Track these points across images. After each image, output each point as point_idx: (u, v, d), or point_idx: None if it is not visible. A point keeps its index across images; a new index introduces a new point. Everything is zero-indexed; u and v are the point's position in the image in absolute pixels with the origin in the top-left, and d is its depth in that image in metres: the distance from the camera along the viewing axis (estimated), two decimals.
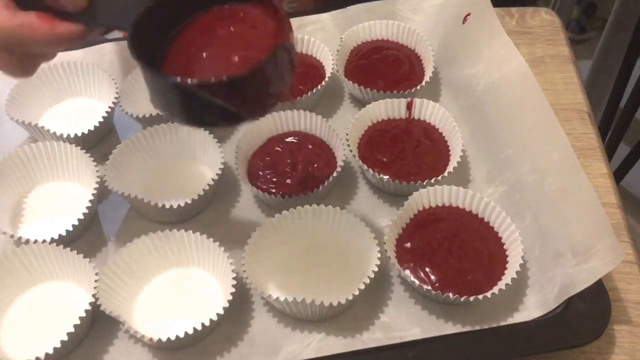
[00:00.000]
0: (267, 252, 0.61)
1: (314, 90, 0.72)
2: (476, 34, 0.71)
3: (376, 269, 0.56)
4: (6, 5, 0.49)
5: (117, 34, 0.87)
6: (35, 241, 0.60)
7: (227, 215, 0.67)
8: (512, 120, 0.64)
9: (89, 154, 0.67)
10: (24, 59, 0.53)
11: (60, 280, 0.61)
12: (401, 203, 0.62)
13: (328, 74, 0.75)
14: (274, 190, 0.65)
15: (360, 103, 0.76)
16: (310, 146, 0.69)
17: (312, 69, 0.78)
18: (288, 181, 0.66)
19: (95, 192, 0.64)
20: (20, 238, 0.62)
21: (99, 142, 0.75)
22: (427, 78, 0.74)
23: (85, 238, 0.66)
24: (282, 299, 0.54)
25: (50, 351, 0.53)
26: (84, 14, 0.50)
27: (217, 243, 0.59)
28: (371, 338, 0.56)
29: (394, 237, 0.61)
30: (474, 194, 0.62)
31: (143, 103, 0.76)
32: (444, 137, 0.70)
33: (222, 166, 0.66)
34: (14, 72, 0.54)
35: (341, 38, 0.79)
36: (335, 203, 0.62)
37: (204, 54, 0.46)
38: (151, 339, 0.53)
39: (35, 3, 0.49)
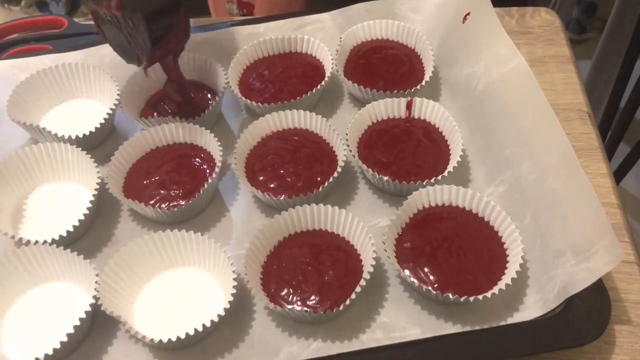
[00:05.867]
0: (268, 252, 0.61)
1: (313, 90, 0.72)
2: (476, 33, 0.71)
3: (372, 270, 0.56)
4: None
5: None
6: (36, 242, 0.60)
7: (227, 215, 0.67)
8: (512, 120, 0.64)
9: (89, 155, 0.67)
10: None
11: (61, 281, 0.61)
12: (401, 203, 0.62)
13: (328, 74, 0.75)
14: (273, 191, 0.65)
15: (360, 103, 0.76)
16: (310, 146, 0.69)
17: (311, 69, 0.78)
18: (288, 181, 0.66)
19: (95, 193, 0.64)
20: (21, 239, 0.62)
21: (100, 143, 0.75)
22: (427, 77, 0.74)
23: (85, 239, 0.66)
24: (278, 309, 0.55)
25: (50, 352, 0.54)
26: None
27: (219, 243, 0.59)
28: (371, 338, 0.56)
29: (393, 236, 0.61)
30: (474, 194, 0.62)
31: (144, 105, 0.76)
32: (444, 136, 0.70)
33: (220, 164, 0.66)
34: None
35: (341, 38, 0.79)
36: (335, 203, 0.62)
37: None
38: (152, 340, 0.53)
39: None
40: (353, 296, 0.55)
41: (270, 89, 0.76)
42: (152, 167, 0.69)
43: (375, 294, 0.59)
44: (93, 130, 0.71)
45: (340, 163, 0.65)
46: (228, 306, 0.55)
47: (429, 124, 0.71)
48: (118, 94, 0.73)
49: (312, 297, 0.57)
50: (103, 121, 0.72)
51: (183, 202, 0.65)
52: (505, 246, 0.60)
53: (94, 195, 0.64)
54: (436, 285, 0.57)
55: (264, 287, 0.58)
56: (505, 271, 0.58)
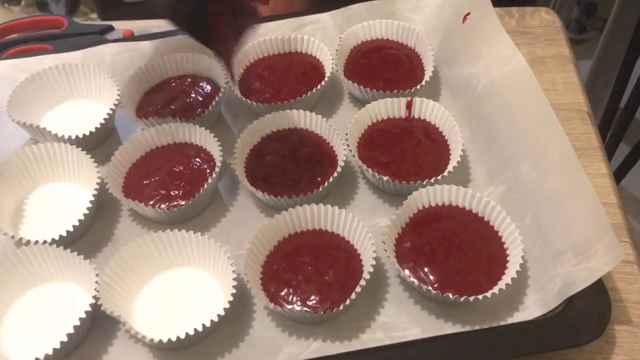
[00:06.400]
0: (268, 252, 0.61)
1: (313, 90, 0.72)
2: (476, 33, 0.71)
3: (372, 270, 0.56)
4: None
5: (117, 34, 0.87)
6: (36, 242, 0.60)
7: (227, 215, 0.67)
8: (512, 120, 0.64)
9: (89, 155, 0.67)
10: None
11: (61, 281, 0.61)
12: (401, 203, 0.62)
13: (328, 74, 0.75)
14: (273, 191, 0.65)
15: (360, 103, 0.76)
16: (310, 146, 0.69)
17: (311, 69, 0.78)
18: (288, 181, 0.66)
19: (95, 193, 0.64)
20: (20, 239, 0.62)
21: (100, 143, 0.75)
22: (427, 77, 0.74)
23: (85, 239, 0.66)
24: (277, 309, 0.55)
25: (50, 352, 0.54)
26: None
27: (218, 243, 0.59)
28: (371, 338, 0.56)
29: (393, 236, 0.61)
30: (474, 193, 0.62)
31: (143, 105, 0.76)
32: (444, 136, 0.70)
33: (220, 164, 0.66)
34: None
35: (341, 38, 0.79)
36: (335, 203, 0.62)
37: None
38: (152, 340, 0.53)
39: None
40: (353, 296, 0.55)
41: (270, 89, 0.76)
42: (152, 167, 0.69)
43: (375, 294, 0.59)
44: (93, 130, 0.71)
45: (340, 163, 0.65)
46: (228, 306, 0.55)
47: (429, 124, 0.71)
48: (118, 94, 0.73)
49: (312, 297, 0.57)
50: (103, 121, 0.72)
51: (183, 202, 0.65)
52: (505, 246, 0.60)
53: (94, 195, 0.64)
54: (436, 285, 0.57)
55: (264, 287, 0.58)
56: (505, 271, 0.58)
